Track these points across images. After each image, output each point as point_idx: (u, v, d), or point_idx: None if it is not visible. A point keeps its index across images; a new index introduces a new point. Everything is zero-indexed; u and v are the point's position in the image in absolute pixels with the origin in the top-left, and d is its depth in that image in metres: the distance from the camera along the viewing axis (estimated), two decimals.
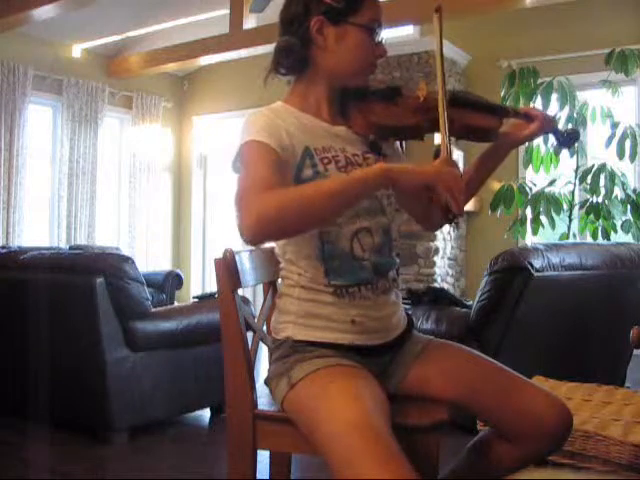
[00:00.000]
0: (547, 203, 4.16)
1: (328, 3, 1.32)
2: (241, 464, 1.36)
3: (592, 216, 4.10)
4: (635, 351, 2.98)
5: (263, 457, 1.46)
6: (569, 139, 1.53)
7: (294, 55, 1.36)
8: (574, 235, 4.27)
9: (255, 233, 1.11)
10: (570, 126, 4.23)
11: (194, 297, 3.71)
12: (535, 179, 4.55)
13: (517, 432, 1.30)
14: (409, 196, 1.55)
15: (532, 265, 2.64)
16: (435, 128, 1.37)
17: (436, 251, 5.45)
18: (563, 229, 4.30)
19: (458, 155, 5.48)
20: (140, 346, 2.83)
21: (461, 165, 5.51)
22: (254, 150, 1.23)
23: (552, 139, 1.60)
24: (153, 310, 2.94)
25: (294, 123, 1.32)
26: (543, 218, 4.22)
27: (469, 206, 5.25)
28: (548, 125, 1.48)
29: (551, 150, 4.19)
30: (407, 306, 2.92)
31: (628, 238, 4.12)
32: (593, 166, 4.11)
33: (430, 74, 5.44)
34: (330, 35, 1.34)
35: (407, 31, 6.00)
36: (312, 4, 1.33)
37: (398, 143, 1.54)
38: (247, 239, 1.12)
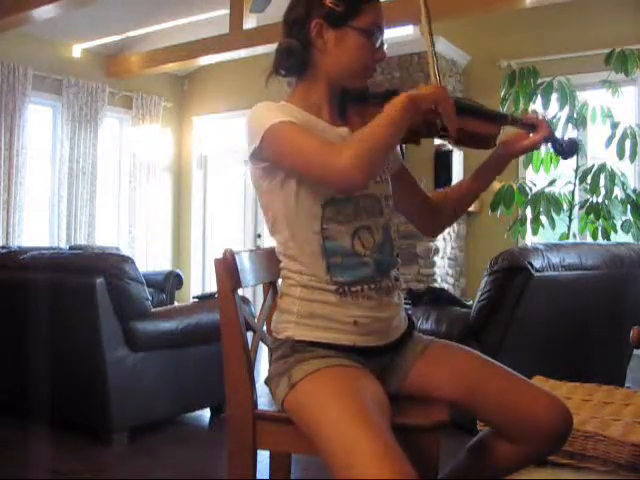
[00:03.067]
0: (547, 203, 4.16)
1: (328, 7, 1.33)
2: (241, 464, 1.36)
3: (592, 216, 4.10)
4: (635, 351, 2.98)
5: (263, 457, 1.46)
6: (569, 150, 1.52)
7: (294, 57, 1.37)
8: (574, 235, 4.27)
9: (354, 176, 1.20)
10: (570, 127, 4.23)
11: (194, 297, 3.71)
12: (535, 179, 4.55)
13: (517, 432, 1.31)
14: (404, 191, 1.54)
15: (532, 265, 2.64)
16: (432, 133, 1.37)
17: (436, 251, 5.45)
18: (563, 229, 4.30)
19: (458, 155, 5.48)
20: (140, 346, 2.82)
21: (460, 167, 5.51)
22: (286, 128, 1.25)
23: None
24: (153, 310, 2.94)
25: (299, 119, 1.32)
26: (543, 218, 4.22)
27: (469, 208, 5.25)
28: (549, 134, 1.47)
29: (551, 150, 4.18)
30: (407, 306, 2.92)
31: (628, 238, 4.12)
32: (593, 166, 4.11)
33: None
34: (330, 38, 1.35)
35: (407, 31, 5.99)
36: (313, 7, 1.34)
37: (398, 146, 1.54)
38: (349, 186, 1.23)
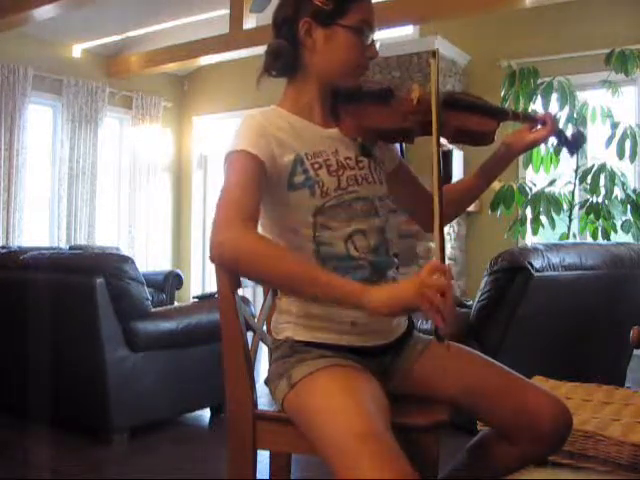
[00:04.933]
0: (547, 203, 4.16)
1: (316, 5, 1.32)
2: (241, 464, 1.36)
3: (592, 216, 4.10)
4: (635, 351, 2.98)
5: (263, 457, 1.46)
6: (575, 143, 1.49)
7: (284, 58, 1.36)
8: (574, 235, 4.27)
9: (213, 259, 1.21)
10: (570, 126, 4.22)
11: (194, 297, 3.71)
12: (535, 179, 4.55)
13: (517, 432, 1.30)
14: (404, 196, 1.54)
15: (532, 265, 2.64)
16: (425, 131, 1.35)
17: None
18: (563, 229, 4.30)
19: (458, 155, 5.48)
20: (140, 346, 2.82)
21: (460, 166, 5.50)
22: (240, 161, 1.25)
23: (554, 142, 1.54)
24: (153, 310, 2.94)
25: (286, 129, 1.32)
26: (543, 218, 4.22)
27: (469, 206, 5.23)
28: (555, 129, 1.46)
29: (551, 150, 4.19)
30: None
31: (628, 238, 4.12)
32: (593, 166, 4.11)
33: (429, 75, 5.42)
34: (319, 37, 1.34)
35: (407, 31, 6.00)
36: (301, 6, 1.34)
37: (398, 145, 1.53)
38: (210, 258, 1.22)
